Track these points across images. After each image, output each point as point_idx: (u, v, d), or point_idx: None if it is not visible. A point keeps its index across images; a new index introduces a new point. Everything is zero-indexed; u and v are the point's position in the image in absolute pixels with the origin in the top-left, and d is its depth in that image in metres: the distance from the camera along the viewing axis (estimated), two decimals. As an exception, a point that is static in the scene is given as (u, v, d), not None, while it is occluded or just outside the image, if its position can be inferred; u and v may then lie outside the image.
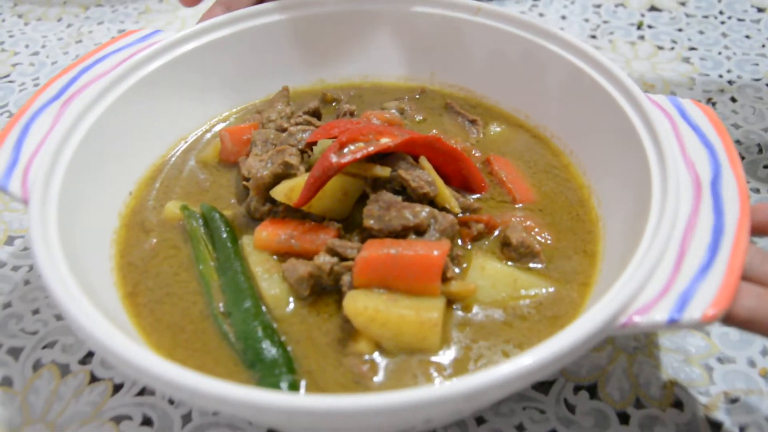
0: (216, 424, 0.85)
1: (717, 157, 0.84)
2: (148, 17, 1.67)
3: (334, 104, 1.16)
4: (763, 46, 1.48)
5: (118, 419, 0.86)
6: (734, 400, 0.86)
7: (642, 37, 1.52)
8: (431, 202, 0.88)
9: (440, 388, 0.60)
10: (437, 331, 0.77)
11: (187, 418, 0.86)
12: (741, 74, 1.40)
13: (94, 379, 0.91)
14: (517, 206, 0.97)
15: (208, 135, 1.11)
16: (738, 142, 1.24)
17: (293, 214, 0.89)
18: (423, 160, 0.91)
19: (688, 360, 0.90)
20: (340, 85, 1.21)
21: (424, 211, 0.84)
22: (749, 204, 0.77)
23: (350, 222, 0.90)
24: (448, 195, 0.89)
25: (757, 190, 1.15)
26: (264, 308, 0.82)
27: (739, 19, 1.56)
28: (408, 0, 1.15)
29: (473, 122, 1.10)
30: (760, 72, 1.40)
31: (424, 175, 0.88)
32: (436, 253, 0.79)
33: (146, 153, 1.04)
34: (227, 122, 1.13)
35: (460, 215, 0.91)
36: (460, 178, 0.96)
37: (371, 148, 0.84)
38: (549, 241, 0.91)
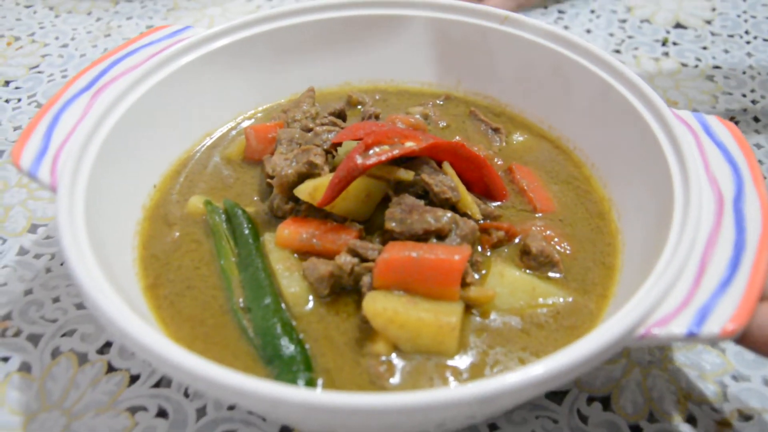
0: (230, 419, 0.85)
1: (740, 174, 0.84)
2: (176, 14, 1.69)
3: (359, 107, 1.16)
4: (788, 67, 1.48)
5: (133, 410, 0.87)
6: (748, 418, 0.86)
7: (666, 54, 1.52)
8: (453, 207, 0.89)
9: (455, 391, 0.61)
10: (455, 336, 0.77)
11: (201, 412, 0.86)
12: (765, 94, 1.40)
13: (111, 369, 0.91)
14: (537, 215, 0.97)
15: (234, 132, 1.12)
16: (760, 162, 1.23)
17: (316, 213, 0.90)
18: (446, 165, 0.91)
19: (702, 376, 0.90)
20: (366, 88, 1.21)
21: (446, 216, 0.84)
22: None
23: (372, 224, 0.90)
24: (470, 201, 0.90)
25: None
26: (283, 305, 0.83)
27: (765, 39, 1.56)
28: (436, 7, 1.16)
29: (496, 130, 1.11)
30: (784, 93, 1.40)
31: (447, 181, 0.88)
32: (456, 257, 0.79)
33: (172, 147, 1.05)
34: (253, 120, 1.14)
35: (481, 222, 0.91)
36: (481, 185, 0.97)
37: (396, 151, 0.85)
38: (568, 252, 0.92)
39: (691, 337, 0.67)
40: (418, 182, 0.88)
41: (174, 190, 1.01)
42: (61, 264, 1.05)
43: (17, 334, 0.96)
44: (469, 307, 0.83)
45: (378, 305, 0.78)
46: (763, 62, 1.49)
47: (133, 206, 0.96)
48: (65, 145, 0.88)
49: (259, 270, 0.86)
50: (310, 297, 0.84)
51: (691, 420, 0.85)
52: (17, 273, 1.04)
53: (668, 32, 1.59)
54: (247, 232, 0.90)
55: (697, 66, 1.48)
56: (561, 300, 0.85)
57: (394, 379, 0.76)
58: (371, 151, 0.85)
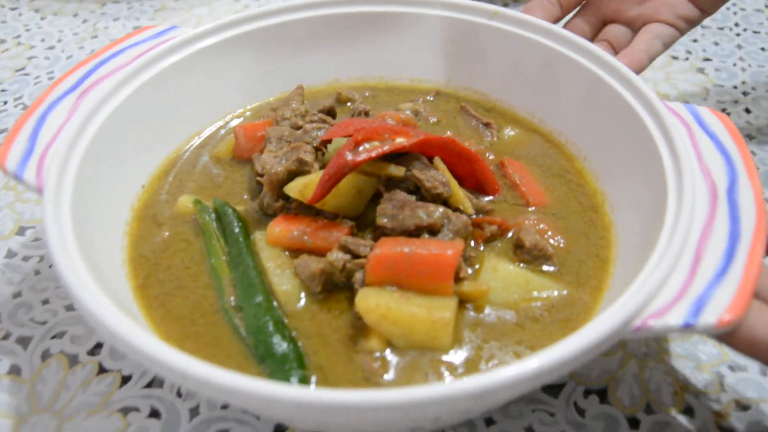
0: (224, 418, 0.84)
1: (733, 164, 0.83)
2: (163, 14, 1.68)
3: (348, 104, 1.16)
4: (778, 58, 1.48)
5: (125, 411, 0.86)
6: (745, 408, 0.85)
7: (656, 47, 1.52)
8: (445, 202, 0.88)
9: (450, 386, 0.60)
10: (449, 331, 0.76)
11: (194, 412, 0.85)
12: (755, 86, 1.40)
13: (102, 370, 0.90)
14: (530, 209, 0.96)
15: (222, 131, 1.11)
16: (753, 153, 1.23)
17: (306, 210, 0.89)
18: (437, 160, 0.91)
19: (699, 367, 0.89)
20: (355, 85, 1.21)
21: (438, 211, 0.83)
22: (766, 212, 0.77)
23: (363, 220, 0.89)
24: (461, 196, 0.89)
25: (771, 201, 1.14)
26: (275, 303, 0.82)
27: (755, 32, 1.56)
28: (425, 3, 1.15)
29: (487, 125, 1.10)
30: (774, 84, 1.40)
31: (438, 176, 0.87)
32: (449, 252, 0.78)
33: (160, 147, 1.04)
34: (241, 119, 1.13)
35: (474, 217, 0.91)
36: (473, 180, 0.96)
37: (386, 147, 0.84)
38: (562, 245, 0.91)
39: (688, 328, 0.67)
40: (409, 178, 0.88)
41: (163, 189, 1.00)
42: (50, 266, 1.04)
43: (6, 336, 0.95)
44: (463, 302, 0.82)
45: (371, 301, 0.77)
46: (754, 54, 1.49)
47: (121, 206, 0.95)
48: (51, 147, 0.87)
49: (250, 268, 0.85)
50: (302, 294, 0.84)
51: (688, 411, 0.85)
52: (5, 276, 1.03)
53: (658, 26, 1.59)
54: (237, 230, 0.90)
55: (687, 59, 1.48)
56: (555, 293, 0.85)
57: (389, 375, 0.76)
58: (361, 148, 0.84)
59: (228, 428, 0.84)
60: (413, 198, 0.86)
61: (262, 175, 0.93)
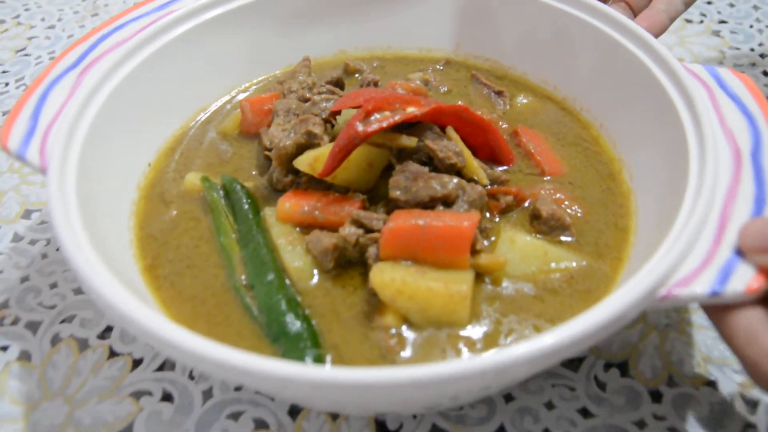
0: (238, 401, 0.83)
1: (757, 126, 0.81)
2: (164, -10, 1.64)
3: (356, 75, 1.14)
4: (796, 18, 1.44)
5: (137, 395, 0.85)
6: (772, 379, 0.83)
7: (670, 10, 1.48)
8: (458, 173, 0.86)
9: (470, 362, 0.58)
10: (466, 305, 0.74)
11: (208, 394, 0.84)
12: (773, 47, 1.37)
13: (113, 354, 0.89)
14: (545, 179, 0.94)
15: (229, 106, 1.09)
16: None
17: (317, 185, 0.87)
18: (450, 130, 0.88)
19: (722, 337, 0.87)
20: (363, 56, 1.18)
21: (453, 182, 0.81)
22: (792, 174, 0.74)
23: (375, 193, 0.87)
24: (476, 166, 0.87)
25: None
26: (287, 281, 0.80)
27: (771, -8, 1.52)
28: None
29: (499, 93, 1.08)
30: (792, 45, 1.37)
31: (451, 146, 0.85)
32: (465, 224, 0.76)
33: (165, 123, 1.02)
34: (248, 93, 1.11)
35: (489, 187, 0.88)
36: (487, 150, 0.94)
37: (398, 117, 0.82)
38: (579, 215, 0.89)
39: (715, 296, 0.64)
40: (421, 148, 0.85)
41: (169, 167, 0.98)
42: (57, 249, 1.03)
43: (15, 322, 0.93)
44: (479, 275, 0.80)
45: (386, 276, 0.75)
46: (770, 15, 1.45)
47: (128, 186, 0.93)
48: (54, 125, 0.85)
49: (261, 246, 0.83)
50: (315, 271, 0.82)
51: (711, 383, 0.83)
52: (12, 260, 1.02)
53: (671, -12, 1.55)
54: (246, 207, 0.88)
55: (702, 21, 1.45)
56: (574, 264, 0.82)
57: (406, 353, 0.74)
58: (372, 118, 0.82)
59: (242, 410, 0.82)
60: (426, 169, 0.83)
61: (270, 150, 0.91)
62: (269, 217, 0.87)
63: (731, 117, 0.82)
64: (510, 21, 1.10)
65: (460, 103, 1.06)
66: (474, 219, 0.77)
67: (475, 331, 0.76)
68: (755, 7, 1.47)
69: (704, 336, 0.87)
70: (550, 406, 0.82)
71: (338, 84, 1.05)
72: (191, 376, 0.86)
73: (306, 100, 0.97)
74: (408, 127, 0.87)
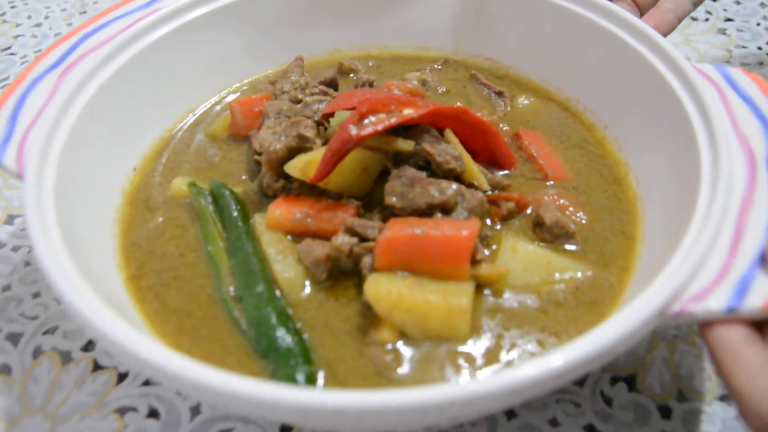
0: (227, 418, 0.80)
1: (772, 130, 0.77)
2: (155, -13, 1.61)
3: (351, 75, 1.11)
4: (804, 16, 1.41)
5: (122, 411, 0.81)
6: (787, 394, 0.80)
7: (674, 8, 1.45)
8: (458, 178, 0.83)
9: (472, 386, 0.55)
10: (466, 319, 0.71)
11: (196, 411, 0.81)
12: (782, 46, 1.33)
13: (97, 367, 0.86)
14: (548, 183, 0.91)
15: (218, 107, 1.06)
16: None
17: (309, 190, 0.84)
18: (448, 133, 0.86)
19: (734, 350, 0.84)
20: (358, 55, 1.15)
21: (451, 188, 0.78)
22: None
23: (370, 200, 0.84)
24: (476, 171, 0.84)
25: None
26: (278, 293, 0.77)
27: (778, -11, 1.49)
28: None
29: (500, 94, 1.05)
30: (801, 43, 1.33)
31: (450, 150, 0.82)
32: (465, 233, 0.73)
33: (152, 126, 0.99)
34: (238, 94, 1.08)
35: (489, 193, 0.86)
36: (487, 153, 0.91)
37: (393, 120, 0.79)
38: (584, 222, 0.86)
39: (732, 312, 0.61)
40: (418, 152, 0.83)
41: (156, 172, 0.95)
42: (40, 256, 0.99)
43: (-6, 333, 0.90)
44: (480, 287, 0.77)
45: (381, 288, 0.72)
46: (777, 12, 1.42)
47: (111, 191, 0.90)
48: (32, 129, 0.81)
49: (250, 255, 0.80)
50: (307, 282, 0.78)
51: (724, 398, 0.80)
52: (-7, 268, 0.98)
53: (675, -15, 1.51)
54: (235, 214, 0.85)
55: (707, 19, 1.41)
56: (579, 274, 0.79)
57: (402, 369, 0.70)
58: (366, 121, 0.79)
59: (231, 428, 0.79)
60: (424, 174, 0.80)
61: (260, 154, 0.88)
62: (259, 225, 0.84)
63: (744, 120, 0.78)
64: (511, 18, 1.06)
65: (459, 104, 1.03)
66: (474, 228, 0.74)
67: (475, 346, 0.72)
68: (762, 5, 1.44)
69: (715, 348, 0.84)
70: (554, 423, 0.78)
71: (332, 84, 1.02)
72: (179, 392, 0.82)
73: (298, 101, 0.94)
74: (404, 129, 0.84)
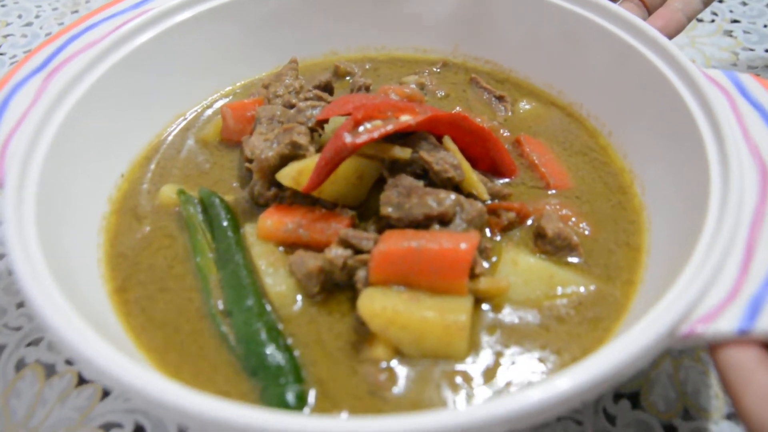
0: (215, 435, 0.77)
1: (785, 139, 0.74)
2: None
3: (347, 78, 1.09)
4: (812, 18, 1.39)
5: (107, 427, 0.80)
6: (798, 414, 0.77)
7: (679, 9, 1.42)
8: (456, 187, 0.81)
9: (474, 412, 0.52)
10: (464, 336, 0.69)
11: (183, 427, 0.78)
12: (789, 48, 1.31)
13: (81, 381, 0.84)
14: (550, 192, 0.89)
15: (209, 111, 1.04)
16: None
17: (302, 200, 0.82)
18: (447, 140, 0.84)
19: (743, 366, 0.81)
20: (354, 57, 1.14)
21: (450, 198, 0.76)
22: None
23: (365, 209, 0.82)
24: (475, 180, 0.82)
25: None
26: (268, 307, 0.75)
27: (785, -10, 1.46)
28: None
29: (500, 98, 1.03)
30: (809, 46, 1.31)
31: (448, 158, 0.80)
32: (463, 246, 0.71)
33: (140, 131, 0.97)
34: (229, 98, 1.06)
35: (489, 202, 0.84)
36: (487, 161, 0.89)
37: (390, 127, 0.77)
38: (587, 233, 0.83)
39: (743, 334, 0.58)
40: (416, 160, 0.80)
41: (144, 179, 0.92)
42: (25, 264, 0.96)
43: (-24, 345, 0.87)
44: (479, 301, 0.75)
45: (376, 304, 0.69)
46: (785, 14, 1.40)
47: (97, 199, 0.87)
48: (14, 134, 0.79)
49: (240, 267, 0.77)
50: (299, 296, 0.76)
51: (731, 416, 0.78)
52: (-24, 277, 0.96)
53: (680, -14, 1.49)
54: (225, 223, 0.82)
55: (713, 21, 1.39)
56: (582, 289, 0.77)
57: (397, 389, 0.68)
58: (362, 128, 0.77)
59: (219, 446, 0.76)
60: (421, 183, 0.78)
61: (251, 161, 0.85)
62: (250, 235, 0.81)
63: (755, 128, 0.76)
64: (512, 20, 1.04)
65: (458, 109, 1.01)
66: (473, 241, 0.72)
67: (474, 365, 0.70)
68: (769, 6, 1.41)
69: (722, 364, 0.81)
70: (555, 442, 0.76)
71: (327, 88, 1.01)
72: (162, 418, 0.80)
73: (292, 106, 0.93)
74: (401, 137, 0.82)
